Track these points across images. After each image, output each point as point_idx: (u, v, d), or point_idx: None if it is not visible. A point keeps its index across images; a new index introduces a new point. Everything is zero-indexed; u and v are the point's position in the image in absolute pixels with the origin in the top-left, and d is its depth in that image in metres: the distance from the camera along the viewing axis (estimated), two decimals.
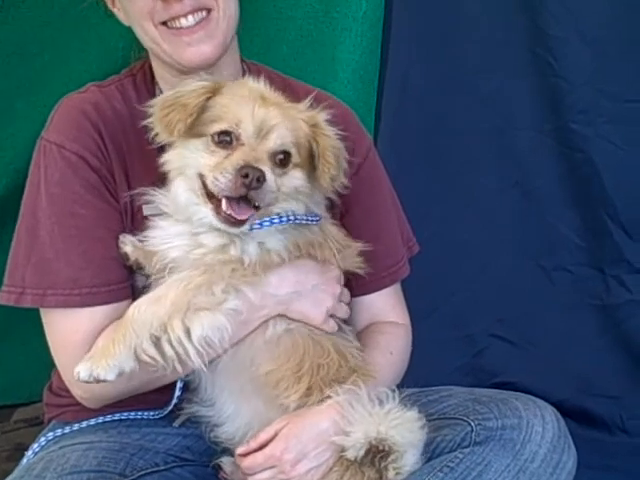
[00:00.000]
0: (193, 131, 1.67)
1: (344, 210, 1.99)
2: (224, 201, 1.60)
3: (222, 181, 1.57)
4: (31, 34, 2.57)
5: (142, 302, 1.62)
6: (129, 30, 1.92)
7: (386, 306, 2.05)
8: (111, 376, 1.57)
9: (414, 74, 2.91)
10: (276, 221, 1.69)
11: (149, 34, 1.83)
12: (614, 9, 2.79)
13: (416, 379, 1.99)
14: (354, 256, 1.86)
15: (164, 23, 1.80)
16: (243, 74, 1.98)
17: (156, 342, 1.59)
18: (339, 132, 1.75)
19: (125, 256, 1.77)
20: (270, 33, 2.74)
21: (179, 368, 1.63)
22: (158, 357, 1.59)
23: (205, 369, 1.63)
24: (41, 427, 2.18)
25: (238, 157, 1.59)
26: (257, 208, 1.62)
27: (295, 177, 1.69)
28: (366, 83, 2.85)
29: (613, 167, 2.88)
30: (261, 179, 1.56)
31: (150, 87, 1.93)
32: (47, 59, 2.62)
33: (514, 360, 3.04)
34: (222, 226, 1.62)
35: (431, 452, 1.71)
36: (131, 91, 1.90)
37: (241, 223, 1.61)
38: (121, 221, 1.80)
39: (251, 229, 1.66)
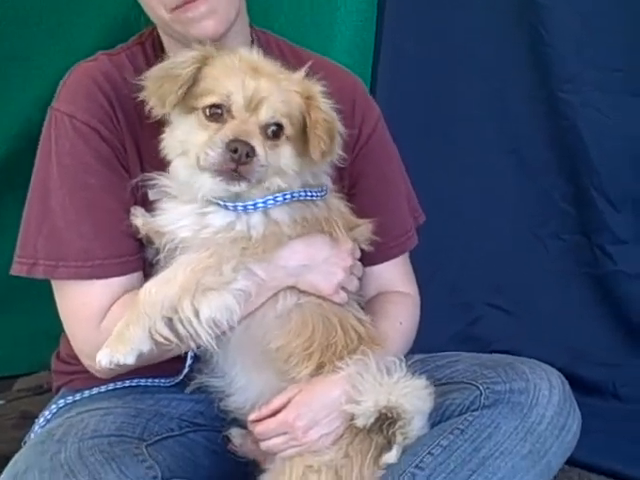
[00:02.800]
0: (186, 106, 1.66)
1: (354, 180, 2.00)
2: (216, 175, 1.60)
3: (212, 155, 1.57)
4: (30, 1, 2.54)
5: (152, 284, 1.63)
6: None
7: (394, 276, 2.06)
8: (131, 359, 1.59)
9: (409, 42, 2.90)
10: (279, 199, 1.68)
11: (161, 19, 1.80)
12: None
13: (413, 347, 2.02)
14: (363, 234, 1.87)
15: (176, 8, 1.76)
16: (252, 45, 1.96)
17: (169, 323, 1.60)
18: (335, 105, 1.72)
19: (135, 229, 1.77)
20: (268, 1, 2.72)
21: (193, 346, 1.66)
22: (172, 337, 1.61)
23: (216, 348, 1.65)
24: (45, 395, 2.20)
25: (227, 131, 1.58)
26: (248, 181, 1.61)
27: (286, 150, 1.67)
28: (363, 51, 2.85)
29: (598, 136, 2.90)
30: (250, 154, 1.56)
31: (160, 56, 1.88)
32: (45, 27, 2.60)
33: (510, 328, 3.08)
34: (221, 187, 1.62)
35: (440, 415, 1.74)
36: (141, 60, 1.88)
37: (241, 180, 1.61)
38: (133, 193, 1.79)
39: (255, 208, 1.66)
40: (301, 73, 1.73)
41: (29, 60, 2.63)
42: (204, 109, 1.63)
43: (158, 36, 1.92)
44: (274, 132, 1.64)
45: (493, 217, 3.07)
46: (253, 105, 1.61)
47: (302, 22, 2.78)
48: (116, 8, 2.51)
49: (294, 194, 1.70)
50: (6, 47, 2.61)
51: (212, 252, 1.62)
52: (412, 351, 2.00)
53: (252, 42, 1.98)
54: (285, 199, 1.69)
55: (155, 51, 1.91)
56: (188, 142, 1.66)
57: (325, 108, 1.69)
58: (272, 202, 1.68)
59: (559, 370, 1.83)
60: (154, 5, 1.78)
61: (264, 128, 1.62)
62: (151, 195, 1.77)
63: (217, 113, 1.62)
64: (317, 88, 1.71)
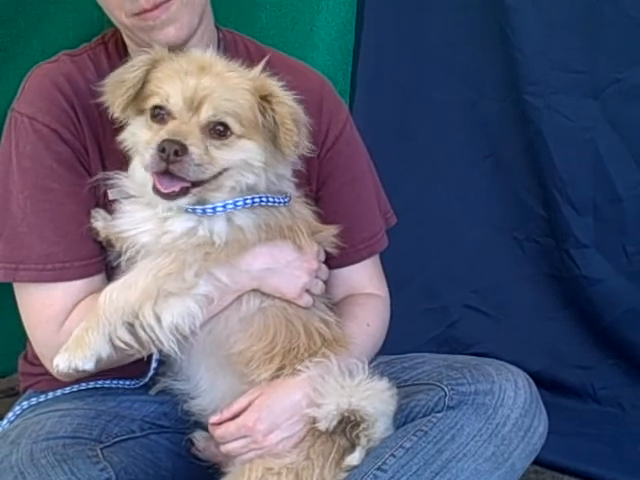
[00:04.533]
0: (138, 108, 1.66)
1: (321, 183, 1.99)
2: (154, 176, 1.59)
3: (147, 157, 1.56)
4: (6, 0, 2.52)
5: (113, 289, 1.61)
6: None
7: (363, 278, 2.05)
8: (89, 365, 1.58)
9: (388, 44, 2.90)
10: (240, 203, 1.67)
11: (123, 24, 1.80)
12: None
13: (390, 350, 2.01)
14: (327, 238, 1.86)
15: (135, 14, 1.76)
16: (218, 45, 1.96)
17: (129, 328, 1.59)
18: (296, 96, 1.70)
19: (96, 232, 1.76)
20: (249, 1, 2.72)
21: (154, 351, 1.66)
22: (133, 342, 1.60)
23: (178, 353, 1.64)
24: (16, 397, 2.17)
25: (163, 132, 1.57)
26: (196, 184, 1.60)
27: (243, 149, 1.64)
28: (344, 53, 2.86)
29: (561, 139, 2.89)
30: (180, 152, 1.53)
31: (123, 57, 1.88)
32: (22, 25, 2.58)
33: (488, 331, 3.08)
34: (160, 201, 1.62)
35: (405, 417, 1.73)
36: (104, 61, 1.87)
37: (175, 196, 1.59)
38: (94, 195, 1.78)
39: (214, 212, 1.65)
40: (257, 70, 1.72)
41: (7, 62, 2.60)
42: (150, 110, 1.64)
43: (121, 36, 1.91)
44: (220, 131, 1.62)
45: (470, 221, 3.08)
46: (195, 104, 1.60)
47: (283, 23, 2.78)
48: (92, 7, 2.49)
49: (255, 199, 1.69)
50: None
51: (174, 257, 1.61)
52: (387, 353, 1.99)
53: (218, 42, 1.97)
54: (246, 204, 1.68)
55: (118, 51, 1.90)
56: (137, 142, 1.66)
57: (288, 101, 1.67)
58: (232, 206, 1.66)
59: (537, 373, 1.84)
60: (114, 10, 1.78)
61: (207, 127, 1.61)
62: (111, 195, 1.76)
63: (160, 114, 1.62)
64: (272, 83, 1.69)
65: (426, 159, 3.02)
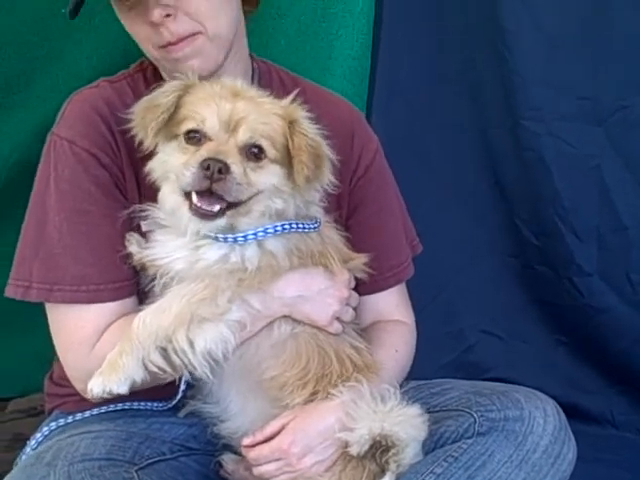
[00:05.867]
0: (169, 133, 1.68)
1: (351, 211, 2.01)
2: (194, 195, 1.60)
3: (187, 175, 1.57)
4: (31, 24, 2.54)
5: (147, 313, 1.62)
6: None
7: (390, 305, 2.06)
8: (123, 389, 1.59)
9: (403, 70, 2.92)
10: (270, 230, 1.68)
11: (152, 55, 1.83)
12: (569, 3, 2.78)
13: (407, 375, 2.01)
14: (358, 266, 1.87)
15: (162, 47, 1.79)
16: (252, 75, 1.99)
17: (163, 353, 1.60)
18: (322, 129, 1.71)
19: (130, 256, 1.76)
20: (269, 28, 2.74)
21: (187, 375, 1.66)
22: (166, 367, 1.61)
23: (210, 377, 1.65)
24: (38, 417, 2.18)
25: (203, 151, 1.59)
26: (231, 205, 1.61)
27: (272, 173, 1.66)
28: (361, 79, 2.87)
29: (564, 166, 2.87)
30: (223, 170, 1.55)
31: (160, 83, 1.88)
32: (46, 50, 2.59)
33: (504, 356, 3.08)
34: (196, 220, 1.62)
35: (435, 443, 1.74)
36: (142, 87, 1.89)
37: (214, 216, 1.60)
38: (129, 220, 1.78)
39: (245, 240, 1.66)
40: (288, 99, 1.73)
41: (30, 86, 2.63)
42: (183, 135, 1.65)
43: None
44: (255, 154, 1.64)
45: (485, 245, 3.08)
46: (231, 127, 1.62)
47: (302, 49, 2.81)
48: (118, 34, 2.52)
49: (285, 226, 1.70)
50: (7, 72, 2.61)
51: (208, 283, 1.62)
52: (406, 378, 1.99)
53: (253, 72, 2.00)
54: (276, 231, 1.69)
55: (156, 79, 1.91)
56: (169, 165, 1.67)
57: (309, 132, 1.68)
58: (262, 234, 1.67)
59: (554, 398, 1.82)
60: (143, 42, 1.81)
61: (243, 149, 1.62)
62: (144, 226, 1.77)
63: (195, 137, 1.64)
64: (300, 112, 1.70)
65: (441, 183, 3.03)
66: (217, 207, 1.59)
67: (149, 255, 1.72)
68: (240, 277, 1.64)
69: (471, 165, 3.04)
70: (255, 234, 1.67)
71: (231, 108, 1.62)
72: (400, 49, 2.90)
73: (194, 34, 1.76)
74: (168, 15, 1.73)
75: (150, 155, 1.73)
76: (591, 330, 2.99)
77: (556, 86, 2.82)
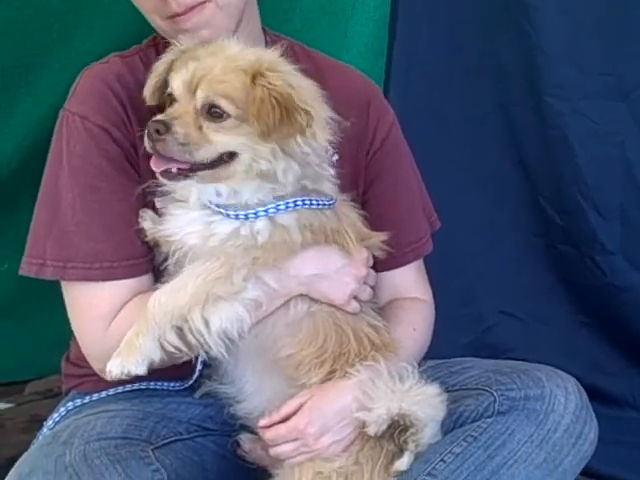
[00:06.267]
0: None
1: (367, 185, 1.98)
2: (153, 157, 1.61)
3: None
4: (40, 6, 2.55)
5: (162, 293, 1.61)
6: None
7: (408, 282, 2.03)
8: (142, 369, 1.58)
9: (421, 47, 2.88)
10: (282, 207, 1.64)
11: (160, 27, 1.81)
12: None
13: (426, 355, 1.98)
14: (376, 244, 1.83)
15: (169, 17, 1.77)
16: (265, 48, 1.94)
17: (179, 332, 1.59)
18: (326, 94, 1.63)
19: (143, 232, 1.75)
20: (284, 5, 2.72)
21: (203, 354, 1.65)
22: (182, 346, 1.60)
23: (226, 356, 1.63)
24: (55, 399, 2.19)
25: (159, 115, 1.60)
26: (198, 166, 1.59)
27: (239, 131, 1.60)
28: (377, 55, 2.85)
29: (587, 143, 2.83)
30: (161, 130, 1.54)
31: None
32: (57, 32, 2.61)
33: (523, 337, 3.05)
34: (196, 188, 1.64)
35: (454, 422, 1.71)
36: (154, 62, 1.83)
37: (176, 177, 1.61)
38: (143, 196, 1.77)
39: (256, 216, 1.63)
40: (268, 52, 1.69)
41: (41, 66, 2.64)
42: (168, 100, 1.66)
43: None
44: (217, 113, 1.59)
45: (504, 227, 3.05)
46: (193, 87, 1.60)
47: (318, 26, 2.78)
48: (129, 11, 2.51)
49: (297, 202, 1.66)
50: (18, 53, 2.63)
51: (223, 261, 1.60)
52: (424, 358, 1.97)
53: (266, 45, 1.96)
54: (288, 207, 1.65)
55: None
56: None
57: (274, 83, 1.56)
58: (274, 210, 1.64)
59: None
60: (150, 14, 1.79)
61: (203, 109, 1.59)
62: (158, 203, 1.75)
63: (173, 100, 1.64)
64: (268, 64, 1.61)
65: (462, 161, 2.99)
66: (173, 168, 1.59)
67: (162, 230, 1.70)
68: (255, 255, 1.62)
69: (493, 143, 3.00)
70: (266, 210, 1.64)
71: (194, 68, 1.61)
72: (418, 28, 2.86)
73: (203, 2, 1.73)
74: None
75: None
76: (613, 310, 2.95)
77: (579, 63, 2.78)
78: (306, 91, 1.61)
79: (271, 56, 1.67)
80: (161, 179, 1.63)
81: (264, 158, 1.61)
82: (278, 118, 1.54)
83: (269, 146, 1.60)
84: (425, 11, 2.84)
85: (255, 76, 1.58)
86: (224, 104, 1.59)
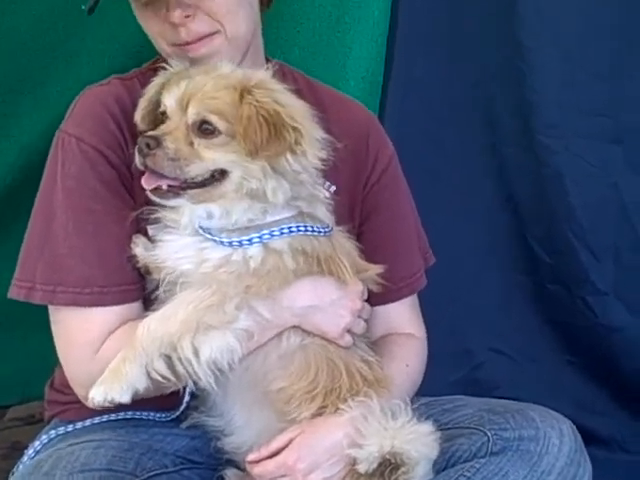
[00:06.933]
0: None
1: (364, 217, 1.97)
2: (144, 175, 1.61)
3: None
4: (48, 23, 2.55)
5: (152, 320, 1.58)
6: None
7: (402, 317, 2.02)
8: (126, 398, 1.54)
9: (415, 82, 2.89)
10: (276, 233, 1.62)
11: (164, 51, 1.81)
12: (588, 21, 2.76)
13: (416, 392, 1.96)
14: (371, 277, 1.81)
15: (177, 45, 1.77)
16: None
17: (167, 361, 1.55)
18: (312, 108, 1.63)
19: (135, 258, 1.72)
20: (283, 35, 2.73)
21: (191, 385, 1.61)
22: (170, 376, 1.56)
23: (215, 388, 1.60)
24: (37, 426, 2.14)
25: (150, 132, 1.60)
26: (188, 184, 1.58)
27: (229, 149, 1.59)
28: (374, 86, 2.85)
29: (581, 183, 2.84)
30: (152, 145, 1.55)
31: None
32: (59, 54, 2.61)
33: (513, 374, 3.03)
34: (188, 209, 1.63)
35: (447, 461, 1.69)
36: None
37: (165, 194, 1.60)
38: (137, 222, 1.74)
39: (250, 243, 1.61)
40: (259, 71, 1.69)
41: (40, 88, 2.63)
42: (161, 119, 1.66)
43: None
44: (208, 130, 1.59)
45: (494, 263, 3.04)
46: (184, 104, 1.60)
47: (317, 58, 2.79)
48: (129, 35, 2.51)
49: (292, 228, 1.64)
50: (18, 75, 2.62)
51: (215, 290, 1.57)
52: (417, 395, 1.95)
53: None
54: (282, 233, 1.63)
55: None
56: None
57: (262, 101, 1.56)
58: (268, 236, 1.62)
59: None
60: (156, 37, 1.79)
61: (194, 126, 1.59)
62: (150, 231, 1.72)
63: (165, 118, 1.64)
64: (256, 82, 1.61)
65: (453, 197, 2.98)
66: (163, 185, 1.59)
67: (154, 256, 1.67)
68: (248, 284, 1.59)
69: (485, 180, 3.00)
70: (260, 237, 1.62)
71: (186, 85, 1.61)
72: (414, 62, 2.86)
73: (212, 34, 1.74)
74: (187, 16, 1.71)
75: None
76: (604, 350, 2.94)
77: (574, 103, 2.80)
78: (295, 109, 1.61)
79: (261, 75, 1.67)
80: (152, 197, 1.62)
81: (254, 177, 1.59)
82: (266, 136, 1.54)
83: (259, 164, 1.59)
84: (421, 44, 2.86)
85: (243, 93, 1.58)
86: (215, 120, 1.58)
